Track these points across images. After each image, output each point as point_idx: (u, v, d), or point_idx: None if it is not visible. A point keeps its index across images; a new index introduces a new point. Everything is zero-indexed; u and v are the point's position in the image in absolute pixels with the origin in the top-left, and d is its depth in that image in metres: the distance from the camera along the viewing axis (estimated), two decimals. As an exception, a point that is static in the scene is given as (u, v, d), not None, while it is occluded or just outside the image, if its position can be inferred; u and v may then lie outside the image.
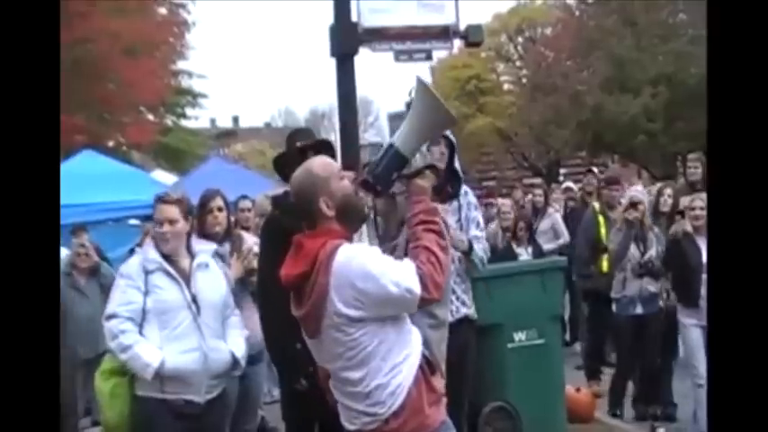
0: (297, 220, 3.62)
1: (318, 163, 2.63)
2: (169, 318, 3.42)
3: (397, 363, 2.47)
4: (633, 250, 5.74)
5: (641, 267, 5.69)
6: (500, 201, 9.37)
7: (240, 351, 3.69)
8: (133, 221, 9.58)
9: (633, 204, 5.75)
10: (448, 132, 4.06)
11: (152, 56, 19.46)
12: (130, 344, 3.36)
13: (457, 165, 4.10)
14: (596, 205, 7.08)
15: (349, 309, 2.40)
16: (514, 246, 7.35)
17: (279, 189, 4.11)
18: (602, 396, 6.13)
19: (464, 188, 4.24)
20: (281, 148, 4.03)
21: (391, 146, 2.55)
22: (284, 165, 3.79)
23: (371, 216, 3.17)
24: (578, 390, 5.84)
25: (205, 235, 4.36)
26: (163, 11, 21.01)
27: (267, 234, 3.81)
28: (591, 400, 5.90)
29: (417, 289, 2.37)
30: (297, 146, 3.76)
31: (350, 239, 2.54)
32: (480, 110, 32.22)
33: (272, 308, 3.60)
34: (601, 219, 6.82)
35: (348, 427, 2.59)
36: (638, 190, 6.42)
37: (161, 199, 3.62)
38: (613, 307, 5.88)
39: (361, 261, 2.40)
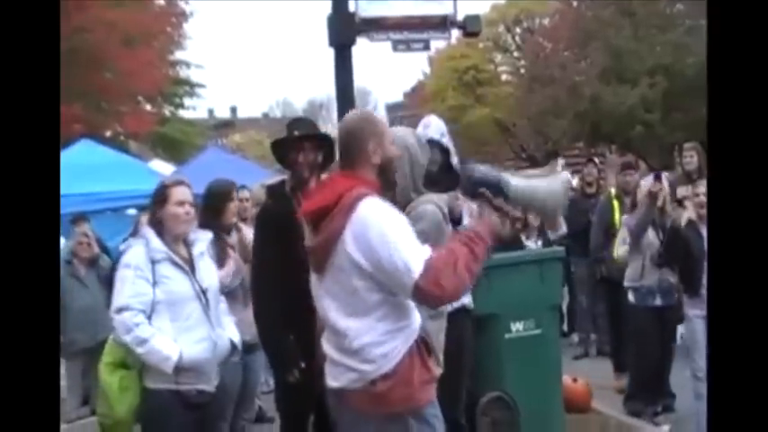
0: (291, 209, 3.64)
1: (379, 116, 2.71)
2: (179, 308, 3.39)
3: (393, 329, 2.46)
4: (653, 238, 5.43)
5: (660, 257, 5.34)
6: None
7: (236, 337, 3.69)
8: (131, 211, 9.57)
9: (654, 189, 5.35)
10: (440, 135, 3.99)
11: (149, 46, 19.43)
12: (147, 337, 3.31)
13: (455, 159, 4.07)
14: (612, 190, 6.98)
15: (359, 256, 2.40)
16: (523, 237, 7.30)
17: (276, 178, 4.08)
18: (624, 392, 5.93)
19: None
20: None
21: (507, 182, 2.65)
22: (282, 151, 3.79)
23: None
24: (575, 380, 5.85)
25: (217, 225, 4.34)
26: (160, 1, 20.93)
27: (261, 223, 3.80)
28: (587, 391, 5.90)
29: (416, 273, 2.35)
30: (295, 134, 3.76)
31: (380, 196, 2.54)
32: (478, 101, 32.15)
33: (266, 299, 3.60)
34: (616, 204, 6.75)
35: (332, 384, 2.55)
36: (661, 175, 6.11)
37: (181, 182, 3.62)
38: (630, 297, 5.59)
39: (383, 220, 2.41)
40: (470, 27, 6.01)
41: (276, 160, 3.90)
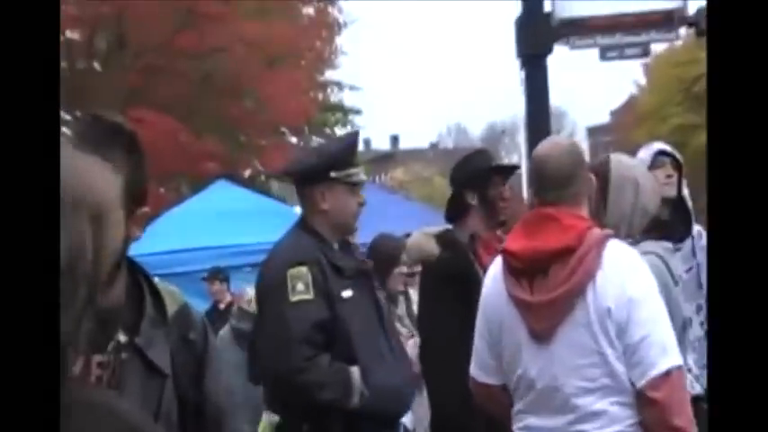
0: (471, 264, 3.63)
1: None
2: None
3: (636, 421, 2.48)
4: None
5: None
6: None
7: None
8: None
9: None
10: (671, 148, 3.94)
11: (296, 66, 20.18)
12: None
13: (685, 192, 3.94)
14: None
15: (617, 309, 2.45)
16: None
17: (437, 227, 4.18)
18: None
19: (697, 228, 4.06)
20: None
21: None
22: (460, 189, 3.89)
23: None
24: None
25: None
26: (310, 11, 21.64)
27: (440, 283, 3.84)
28: None
29: (664, 367, 2.43)
30: (493, 166, 3.92)
31: None
32: (713, 119, 31.04)
33: (449, 378, 3.56)
34: None
35: None
36: None
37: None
38: None
39: (644, 273, 2.55)
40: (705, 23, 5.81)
41: (451, 204, 3.98)
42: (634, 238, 3.13)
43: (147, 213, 1.80)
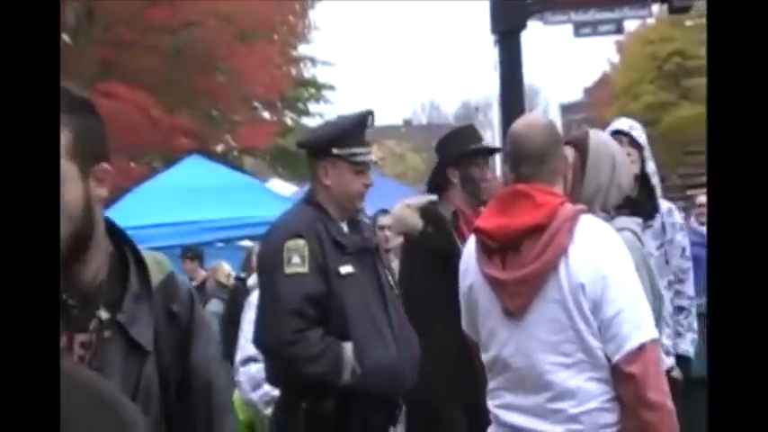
0: (453, 239, 3.67)
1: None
2: None
3: (613, 396, 2.50)
4: None
5: None
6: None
7: None
8: (246, 242, 9.88)
9: None
10: (631, 128, 3.95)
11: (269, 40, 20.07)
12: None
13: (651, 167, 3.97)
14: None
15: (591, 285, 2.46)
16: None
17: (423, 198, 4.18)
18: None
19: (667, 204, 4.11)
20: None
21: None
22: (444, 167, 3.98)
23: None
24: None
25: None
26: (282, -16, 21.49)
27: (421, 256, 3.92)
28: None
29: (648, 336, 2.46)
30: (474, 148, 3.97)
31: None
32: (685, 96, 31.18)
33: (428, 349, 3.59)
34: None
35: None
36: None
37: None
38: None
39: (617, 248, 2.55)
40: (679, 0, 5.82)
41: (434, 178, 4.07)
42: (608, 213, 3.16)
43: (107, 170, 1.74)
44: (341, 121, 3.49)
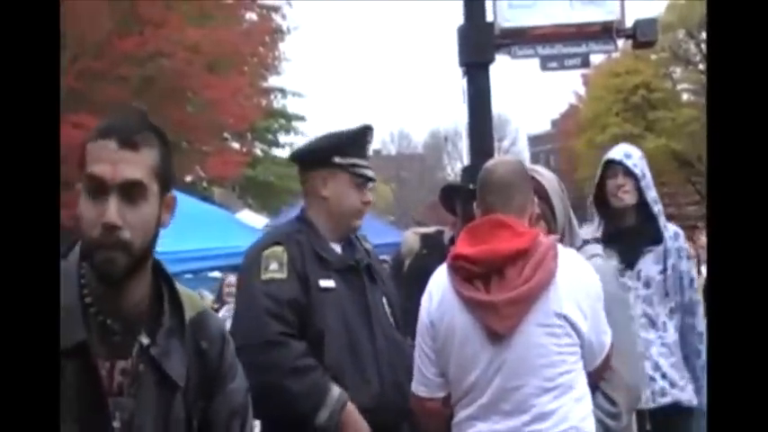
0: (441, 262, 3.83)
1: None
2: None
3: (589, 413, 2.64)
4: None
5: None
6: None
7: None
8: (215, 274, 9.82)
9: None
10: (626, 156, 3.94)
11: (239, 71, 20.07)
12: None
13: (652, 196, 3.98)
14: None
15: (575, 313, 2.59)
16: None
17: (430, 228, 4.58)
18: None
19: (674, 228, 4.05)
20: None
21: None
22: (452, 199, 4.17)
23: None
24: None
25: None
26: (252, 16, 21.53)
27: (409, 274, 4.19)
28: None
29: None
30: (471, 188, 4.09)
31: None
32: (650, 128, 31.55)
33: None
34: None
35: None
36: None
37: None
38: None
39: (594, 278, 2.70)
40: (643, 35, 5.91)
41: (444, 207, 4.28)
42: (575, 244, 3.18)
43: (175, 199, 1.81)
44: (341, 131, 3.28)
